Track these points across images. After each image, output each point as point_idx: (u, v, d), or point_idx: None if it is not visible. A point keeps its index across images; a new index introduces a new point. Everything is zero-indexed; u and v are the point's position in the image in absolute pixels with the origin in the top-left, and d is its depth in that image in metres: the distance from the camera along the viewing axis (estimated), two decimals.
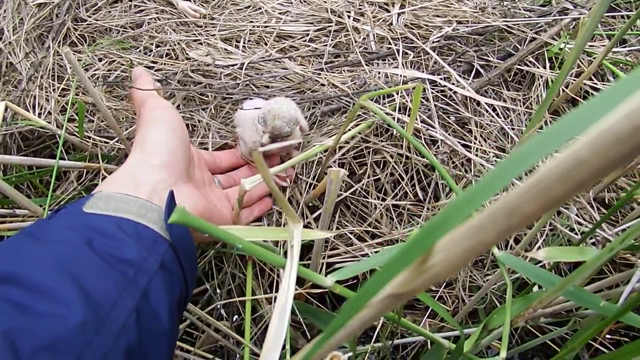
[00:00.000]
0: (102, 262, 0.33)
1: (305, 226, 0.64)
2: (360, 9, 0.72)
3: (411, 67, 0.66)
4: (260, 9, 0.73)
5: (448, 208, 0.13)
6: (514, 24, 0.69)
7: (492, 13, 0.70)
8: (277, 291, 0.60)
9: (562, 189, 0.10)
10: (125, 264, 0.34)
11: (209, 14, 0.72)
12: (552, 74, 0.67)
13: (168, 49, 0.69)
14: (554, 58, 0.70)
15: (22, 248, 0.33)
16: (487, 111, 0.66)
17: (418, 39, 0.67)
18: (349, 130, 0.58)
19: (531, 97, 0.68)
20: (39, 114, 0.63)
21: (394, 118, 0.61)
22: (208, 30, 0.70)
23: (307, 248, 0.63)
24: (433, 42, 0.67)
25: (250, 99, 0.62)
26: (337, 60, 0.68)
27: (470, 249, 0.13)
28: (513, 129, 0.65)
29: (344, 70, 0.67)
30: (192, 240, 0.40)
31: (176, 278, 0.37)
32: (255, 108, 0.57)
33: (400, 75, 0.63)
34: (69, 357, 0.28)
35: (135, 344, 0.31)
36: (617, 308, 0.35)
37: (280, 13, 0.72)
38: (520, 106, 0.68)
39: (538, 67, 0.67)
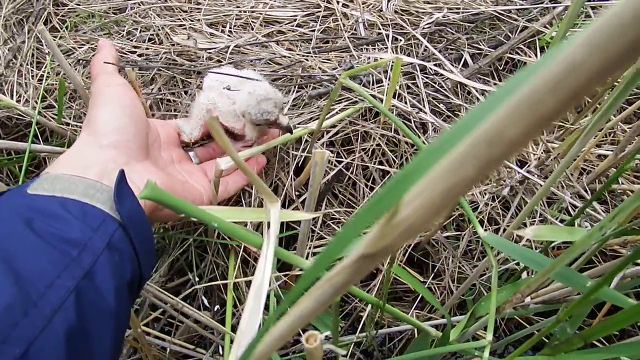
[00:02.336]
0: (41, 241, 0.32)
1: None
2: None
3: (401, 53, 0.65)
4: None
5: (421, 153, 0.12)
6: (505, 12, 0.68)
7: (484, 0, 0.69)
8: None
9: (554, 101, 0.08)
10: (68, 243, 0.33)
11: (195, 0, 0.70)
12: None
13: (152, 34, 0.67)
14: (545, 47, 0.69)
15: None
16: (477, 99, 0.65)
17: (408, 25, 0.66)
18: (337, 113, 0.57)
19: None
20: (17, 101, 0.61)
21: (382, 102, 0.59)
22: (193, 15, 0.69)
23: (293, 238, 0.62)
24: (423, 28, 0.65)
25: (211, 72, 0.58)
26: (326, 46, 0.66)
27: (449, 191, 0.11)
28: None
29: (332, 56, 0.65)
30: (145, 219, 0.39)
31: (127, 258, 0.36)
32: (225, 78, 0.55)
33: (390, 61, 0.61)
34: None
35: (75, 324, 0.30)
36: (609, 291, 0.34)
37: None
38: None
39: (530, 56, 0.66)
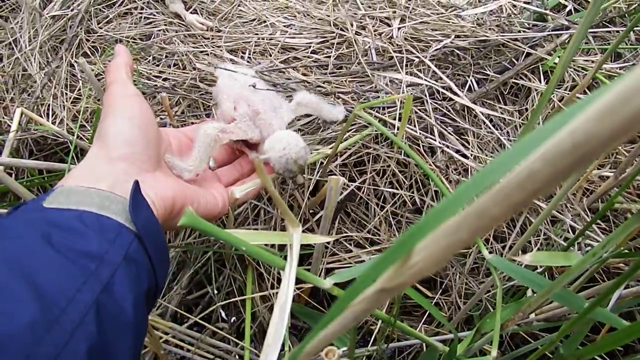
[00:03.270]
0: (60, 256, 0.32)
1: (307, 229, 0.66)
2: (361, 22, 0.74)
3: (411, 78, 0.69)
4: (265, 22, 0.75)
5: (428, 214, 0.15)
6: (510, 39, 0.71)
7: (490, 28, 0.73)
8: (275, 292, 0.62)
9: (521, 195, 0.12)
10: (86, 257, 0.33)
11: (215, 27, 0.74)
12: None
13: (176, 60, 0.71)
14: (549, 72, 0.72)
15: None
16: (484, 122, 0.68)
17: (417, 52, 0.69)
18: (350, 136, 0.60)
19: (527, 109, 0.70)
20: (53, 122, 0.66)
21: (393, 126, 0.63)
22: (214, 42, 0.73)
23: (308, 255, 0.65)
24: (432, 54, 0.69)
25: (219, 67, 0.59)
26: (339, 71, 0.70)
27: (449, 246, 0.15)
28: (509, 140, 0.67)
29: (346, 81, 0.69)
30: (160, 229, 0.39)
31: (143, 269, 0.37)
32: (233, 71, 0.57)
33: (402, 81, 0.65)
34: (17, 357, 0.27)
35: (96, 339, 0.31)
36: (602, 311, 0.37)
37: (284, 26, 0.75)
38: (517, 118, 0.70)
39: (533, 81, 0.70)
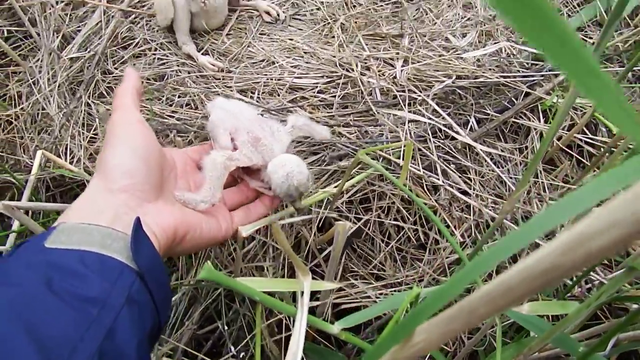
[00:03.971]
0: (62, 304, 0.32)
1: (315, 265, 0.68)
2: (366, 63, 0.77)
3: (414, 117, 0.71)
4: (273, 63, 0.78)
5: (426, 301, 0.18)
6: (509, 79, 0.74)
7: (490, 69, 0.75)
8: (285, 331, 0.64)
9: (503, 301, 0.14)
10: (88, 302, 0.33)
11: (226, 67, 0.78)
12: (546, 127, 0.71)
13: (188, 99, 0.74)
14: (548, 110, 0.74)
15: None
16: (485, 160, 0.70)
17: (420, 91, 0.72)
18: (356, 174, 0.63)
19: (527, 147, 0.72)
20: (70, 161, 0.69)
21: (397, 164, 0.65)
22: (225, 82, 0.76)
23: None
24: (434, 94, 0.71)
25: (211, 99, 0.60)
26: (345, 110, 0.73)
27: (445, 334, 0.17)
28: (510, 177, 0.70)
29: (352, 120, 0.72)
30: (162, 265, 0.39)
31: (146, 309, 0.36)
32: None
33: (406, 119, 0.68)
34: None
35: None
36: (597, 356, 0.38)
37: (292, 66, 0.78)
38: (517, 156, 0.72)
39: (533, 120, 0.72)
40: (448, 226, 0.67)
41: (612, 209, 0.11)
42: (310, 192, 0.65)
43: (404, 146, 0.59)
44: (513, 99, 0.74)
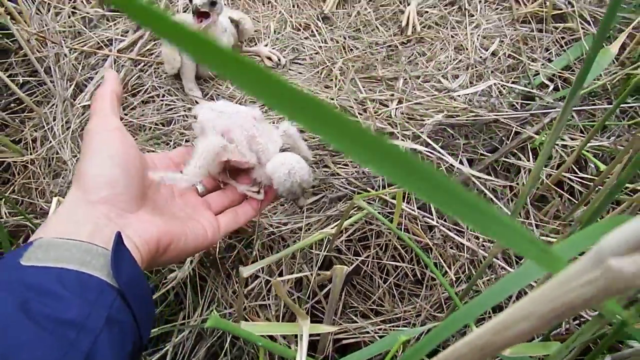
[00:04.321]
0: (38, 328, 0.30)
1: (315, 302, 0.70)
2: (363, 105, 0.81)
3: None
4: None
5: (414, 347, 0.21)
6: (499, 118, 0.77)
7: (480, 107, 0.79)
8: None
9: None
10: (66, 325, 0.31)
11: None
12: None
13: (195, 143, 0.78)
14: (538, 148, 0.78)
15: None
16: (480, 194, 0.73)
17: (413, 128, 0.76)
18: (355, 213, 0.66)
19: (518, 184, 0.75)
20: None
21: (392, 205, 0.68)
22: None
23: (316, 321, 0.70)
24: (427, 130, 0.75)
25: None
26: (340, 153, 0.76)
27: None
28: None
29: (349, 160, 0.75)
30: (144, 282, 0.38)
31: (127, 328, 0.35)
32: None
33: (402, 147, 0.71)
34: None
35: None
36: None
37: None
38: (509, 193, 0.75)
39: (523, 160, 0.75)
40: (443, 264, 0.70)
41: (523, 304, 0.14)
42: (312, 188, 0.66)
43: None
44: (504, 138, 0.78)
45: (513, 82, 0.85)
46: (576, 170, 0.76)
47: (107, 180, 0.40)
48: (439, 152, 0.73)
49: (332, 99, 0.82)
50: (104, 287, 0.35)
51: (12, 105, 0.88)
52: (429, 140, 0.73)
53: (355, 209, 0.70)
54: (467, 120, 0.75)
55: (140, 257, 0.39)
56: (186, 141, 0.79)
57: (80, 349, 0.31)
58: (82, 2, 0.94)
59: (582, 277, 0.13)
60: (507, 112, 0.79)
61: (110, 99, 0.45)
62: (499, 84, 0.83)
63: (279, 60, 0.90)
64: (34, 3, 0.92)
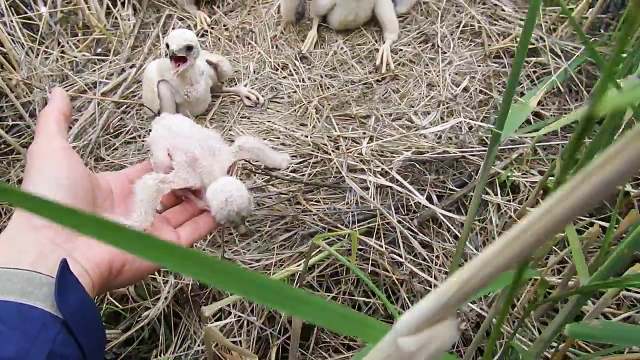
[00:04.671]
0: None
1: (287, 338, 0.72)
2: (336, 142, 0.84)
3: (378, 192, 0.77)
4: None
5: None
6: (467, 155, 0.80)
7: (449, 143, 0.81)
8: None
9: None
10: None
11: None
12: (502, 201, 0.76)
13: None
14: (506, 181, 0.79)
15: None
16: (448, 231, 0.75)
17: (383, 164, 0.78)
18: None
19: (486, 218, 0.77)
20: None
21: (363, 243, 0.70)
22: None
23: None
24: (396, 166, 0.77)
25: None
26: (312, 190, 0.79)
27: None
28: (471, 249, 0.74)
29: (320, 197, 0.78)
30: (93, 309, 0.36)
31: None
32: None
33: (371, 182, 0.73)
34: None
35: None
36: None
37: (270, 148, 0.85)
38: (477, 227, 0.77)
39: (490, 195, 0.77)
40: (413, 299, 0.71)
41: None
42: (251, 215, 0.65)
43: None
44: (472, 173, 0.80)
45: (484, 118, 0.87)
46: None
47: None
48: (408, 188, 0.75)
49: (307, 137, 0.84)
50: (46, 320, 0.32)
51: (1, 147, 0.91)
52: (397, 177, 0.76)
53: (330, 244, 0.72)
54: (436, 156, 0.78)
55: (91, 281, 0.37)
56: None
57: None
58: (70, 46, 0.99)
59: (383, 354, 0.15)
60: (475, 147, 0.81)
61: (57, 119, 0.43)
62: (468, 120, 0.85)
63: (258, 99, 0.93)
64: (23, 48, 0.97)
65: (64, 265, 0.35)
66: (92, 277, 0.38)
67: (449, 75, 0.93)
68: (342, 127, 0.87)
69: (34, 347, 0.31)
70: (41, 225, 0.37)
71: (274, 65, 0.99)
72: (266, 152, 0.60)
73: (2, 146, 0.91)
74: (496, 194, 0.78)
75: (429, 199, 0.77)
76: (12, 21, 0.98)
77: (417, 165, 0.78)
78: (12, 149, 0.90)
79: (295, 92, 0.95)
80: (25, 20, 1.01)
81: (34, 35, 1.00)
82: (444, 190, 0.78)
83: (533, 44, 0.99)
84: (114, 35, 0.98)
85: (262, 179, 0.80)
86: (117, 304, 0.73)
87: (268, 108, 0.93)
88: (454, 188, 0.78)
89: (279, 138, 0.87)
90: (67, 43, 0.98)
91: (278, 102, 0.95)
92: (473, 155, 0.80)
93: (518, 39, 0.96)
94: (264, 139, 0.86)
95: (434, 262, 0.72)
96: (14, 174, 0.87)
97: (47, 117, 0.43)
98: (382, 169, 0.76)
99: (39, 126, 0.43)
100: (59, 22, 1.00)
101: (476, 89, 0.91)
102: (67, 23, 1.01)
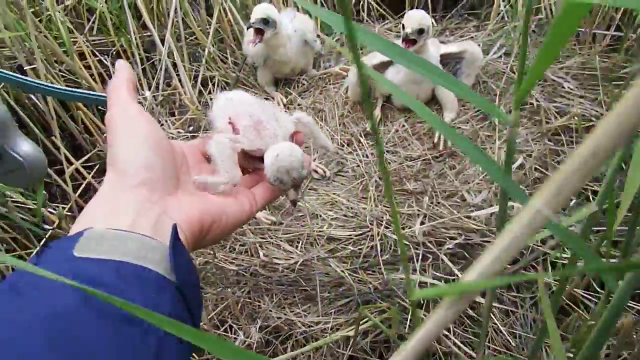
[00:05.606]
0: (103, 328, 0.29)
1: None
2: (389, 220, 0.91)
3: (429, 269, 0.83)
4: (317, 216, 0.95)
5: None
6: None
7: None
8: None
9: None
10: (130, 325, 0.29)
11: (278, 220, 0.96)
12: (552, 281, 0.79)
13: (247, 248, 0.92)
14: (557, 261, 0.82)
15: (8, 310, 0.29)
16: (502, 320, 0.79)
17: (434, 246, 0.84)
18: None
19: (535, 298, 0.80)
20: None
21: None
22: (276, 233, 0.93)
23: None
24: (446, 249, 0.83)
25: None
26: (369, 261, 0.86)
27: None
28: (517, 332, 0.77)
29: (375, 270, 0.85)
30: (196, 273, 0.37)
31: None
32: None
33: (418, 281, 0.80)
34: None
35: None
36: None
37: (332, 219, 0.94)
38: (528, 304, 0.80)
39: (538, 270, 0.80)
40: None
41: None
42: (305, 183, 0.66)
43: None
44: (523, 250, 0.84)
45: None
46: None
47: (144, 163, 0.39)
48: (457, 275, 0.80)
49: (365, 208, 0.93)
50: (162, 283, 0.33)
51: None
52: (448, 263, 0.81)
53: (375, 313, 0.78)
54: (485, 240, 0.83)
55: (186, 241, 0.38)
56: (240, 245, 0.93)
57: (148, 351, 0.30)
58: (167, 124, 1.16)
59: None
60: None
61: (127, 87, 0.44)
62: (517, 205, 0.89)
63: (325, 173, 1.04)
64: None
65: (175, 231, 0.35)
66: (186, 236, 0.38)
67: (504, 152, 0.98)
68: (399, 202, 0.95)
69: (155, 308, 0.31)
70: (136, 184, 0.38)
71: (340, 142, 1.09)
72: (317, 132, 0.60)
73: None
74: (548, 270, 0.80)
75: None
76: None
77: (466, 248, 0.84)
78: None
79: (358, 166, 1.04)
80: None
81: None
82: None
83: (592, 121, 1.02)
84: (204, 115, 1.14)
85: (325, 249, 0.89)
86: None
87: (334, 181, 1.03)
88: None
89: (341, 210, 0.96)
90: (166, 122, 1.16)
91: (343, 176, 1.04)
92: None
93: (575, 118, 1.00)
94: (329, 210, 0.96)
95: (480, 344, 0.76)
96: None
97: (118, 87, 0.44)
98: (433, 254, 0.83)
99: (111, 97, 0.43)
100: (159, 104, 1.18)
101: (531, 166, 0.96)
102: (166, 104, 1.19)
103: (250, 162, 0.54)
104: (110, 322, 0.29)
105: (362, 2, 1.40)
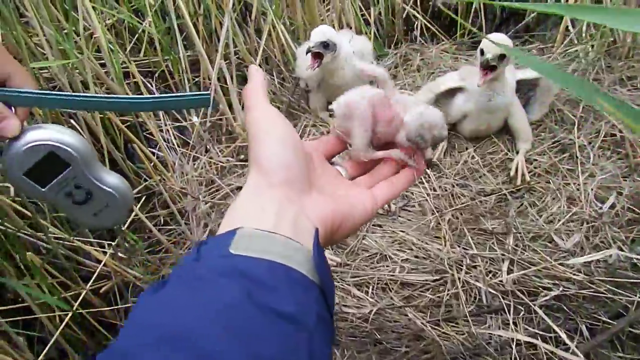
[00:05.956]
0: (267, 321, 0.30)
1: None
2: (473, 261, 0.82)
3: (521, 322, 0.74)
4: (386, 257, 0.86)
5: None
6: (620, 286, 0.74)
7: (597, 271, 0.77)
8: None
9: None
10: (285, 320, 0.31)
11: (343, 261, 0.87)
12: None
13: None
14: None
15: (182, 300, 0.31)
16: None
17: (525, 297, 0.75)
18: None
19: None
20: None
21: None
22: (343, 276, 0.85)
23: None
24: (541, 302, 0.74)
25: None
26: (450, 312, 0.77)
27: None
28: None
29: (458, 323, 0.76)
30: (331, 273, 0.38)
31: (329, 327, 0.34)
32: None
33: (514, 340, 0.71)
34: None
35: None
36: None
37: (402, 261, 0.85)
38: None
39: None
40: None
41: None
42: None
43: None
44: (627, 304, 0.74)
45: (633, 240, 0.82)
46: None
47: (284, 162, 0.41)
48: (555, 330, 0.71)
49: (441, 249, 0.84)
50: (309, 285, 0.34)
51: (153, 243, 1.01)
52: (544, 316, 0.72)
53: None
54: (584, 292, 0.74)
55: (320, 238, 0.39)
56: None
57: (305, 347, 0.31)
58: (216, 152, 1.09)
59: None
60: (630, 275, 0.76)
61: (263, 92, 0.46)
62: (622, 253, 0.79)
63: (390, 207, 0.95)
64: (176, 153, 1.08)
65: (317, 234, 0.37)
66: (320, 234, 0.39)
67: (592, 189, 0.90)
68: (477, 243, 0.86)
69: (304, 309, 0.32)
70: (277, 182, 0.40)
71: None
72: None
73: (154, 244, 1.00)
74: None
75: (575, 330, 0.72)
76: (168, 130, 1.10)
77: (563, 300, 0.75)
78: (163, 247, 0.99)
79: (426, 200, 0.96)
80: (176, 124, 1.14)
81: (187, 140, 1.12)
82: (597, 323, 0.73)
83: None
84: None
85: (399, 295, 0.81)
86: None
87: (399, 216, 0.95)
88: (608, 320, 0.73)
89: (412, 250, 0.87)
90: (214, 149, 1.09)
91: (409, 211, 0.96)
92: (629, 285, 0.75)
93: None
94: (398, 250, 0.88)
95: None
96: (165, 271, 0.95)
97: (255, 91, 0.46)
98: (525, 305, 0.74)
99: (249, 101, 0.46)
100: (207, 130, 1.11)
101: (623, 206, 0.87)
102: (214, 131, 1.12)
103: (377, 153, 0.53)
104: (270, 316, 0.30)
105: (416, 23, 1.32)
